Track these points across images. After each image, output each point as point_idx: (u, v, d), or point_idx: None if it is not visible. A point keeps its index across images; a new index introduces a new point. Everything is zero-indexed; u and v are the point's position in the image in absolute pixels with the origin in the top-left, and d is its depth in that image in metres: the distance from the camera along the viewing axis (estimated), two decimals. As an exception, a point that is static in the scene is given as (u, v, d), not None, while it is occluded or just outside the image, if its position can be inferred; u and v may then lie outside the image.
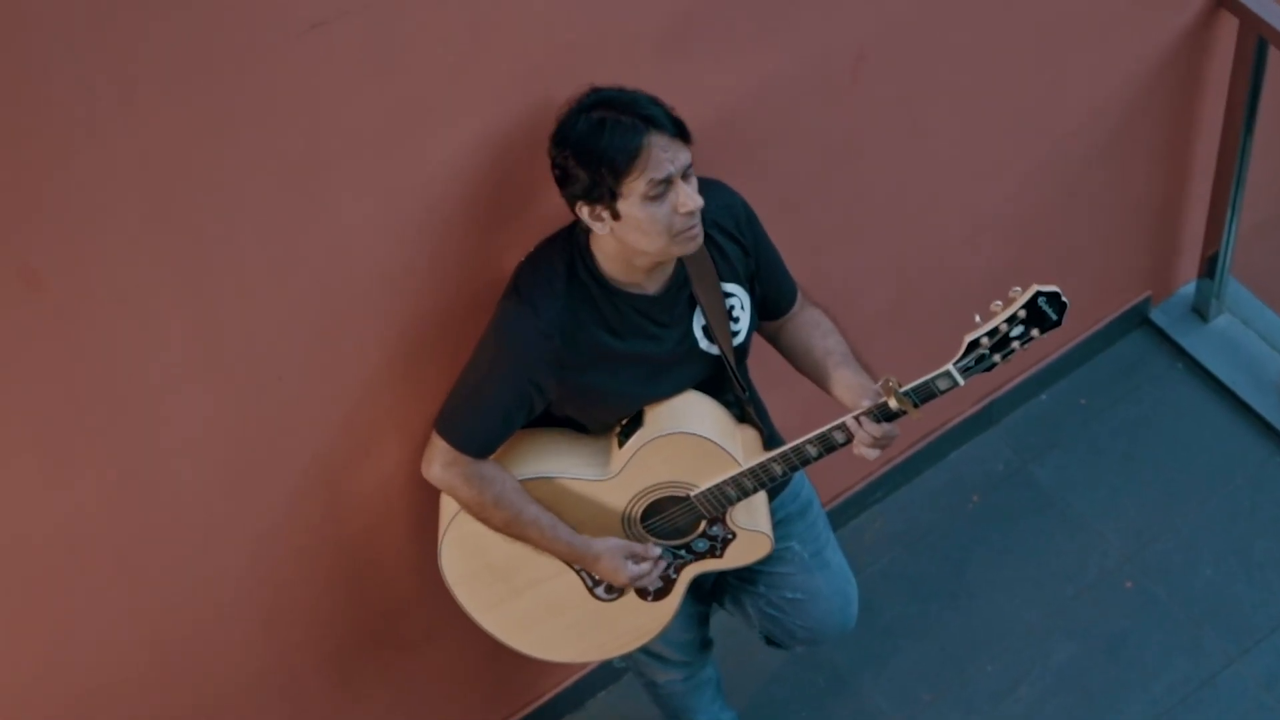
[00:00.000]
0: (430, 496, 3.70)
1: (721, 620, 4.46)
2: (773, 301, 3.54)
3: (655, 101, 3.21)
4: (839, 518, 4.66)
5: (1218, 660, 4.47)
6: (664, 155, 3.17)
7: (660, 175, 3.16)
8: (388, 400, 3.56)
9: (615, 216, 3.20)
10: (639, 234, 3.21)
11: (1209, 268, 4.86)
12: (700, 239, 3.26)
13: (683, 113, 3.28)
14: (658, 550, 3.53)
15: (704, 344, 3.42)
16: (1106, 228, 4.66)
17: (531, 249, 3.38)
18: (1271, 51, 4.38)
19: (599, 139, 3.16)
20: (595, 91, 3.21)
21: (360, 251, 3.34)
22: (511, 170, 3.38)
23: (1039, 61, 4.14)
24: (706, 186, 3.39)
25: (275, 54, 3.03)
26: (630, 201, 3.18)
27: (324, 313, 3.38)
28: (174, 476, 3.42)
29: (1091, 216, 4.59)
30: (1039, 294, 3.24)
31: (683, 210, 3.19)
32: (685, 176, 3.21)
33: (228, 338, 3.30)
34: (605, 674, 4.50)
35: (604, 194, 3.18)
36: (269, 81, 3.06)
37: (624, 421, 3.46)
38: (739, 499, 3.48)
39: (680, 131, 3.21)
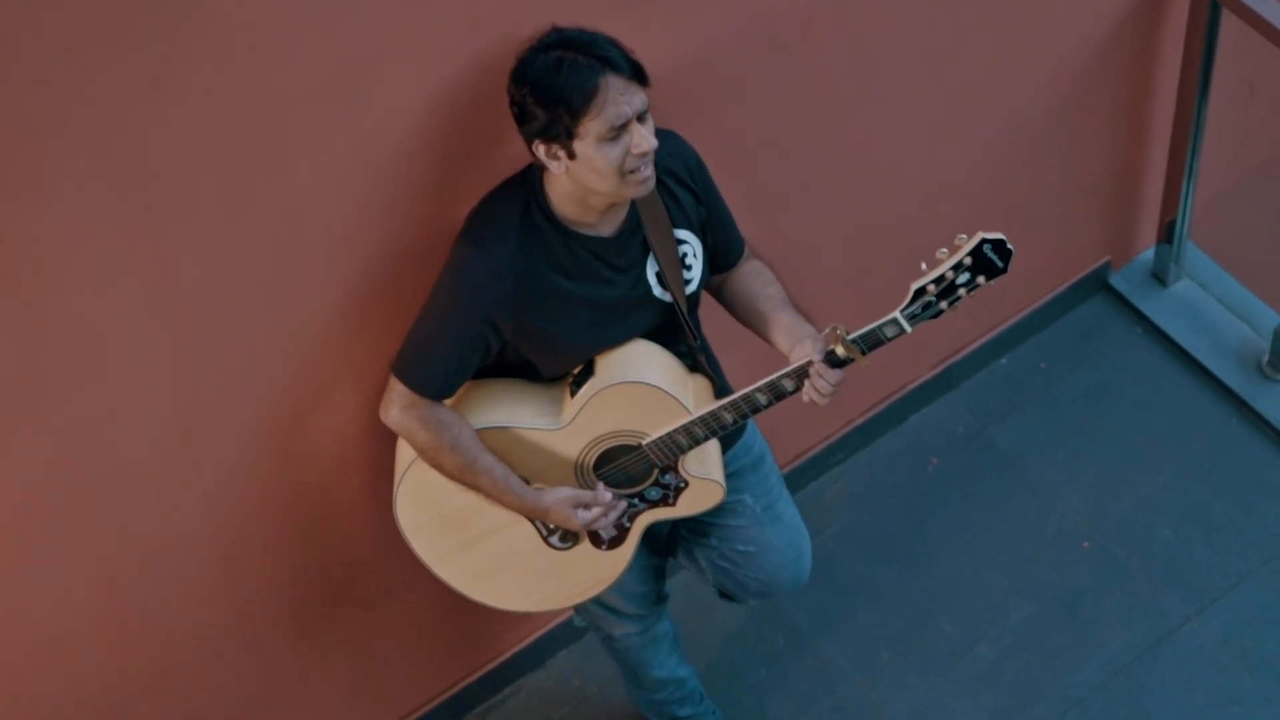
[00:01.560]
0: (387, 450, 3.72)
1: (681, 581, 4.50)
2: (722, 253, 3.57)
3: (614, 44, 3.24)
4: (799, 479, 4.69)
5: (1175, 619, 4.51)
6: (620, 97, 3.20)
7: (616, 116, 3.20)
8: (344, 350, 3.59)
9: (571, 156, 3.23)
10: (593, 174, 3.25)
11: (1168, 233, 4.90)
12: (653, 182, 3.29)
13: None
14: (608, 495, 3.56)
15: (657, 290, 3.45)
16: (1066, 192, 4.69)
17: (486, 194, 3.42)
18: (1226, 16, 4.41)
19: (556, 78, 3.19)
20: (556, 31, 3.24)
21: (313, 200, 3.37)
22: (466, 117, 3.41)
23: (994, 21, 4.17)
24: (660, 135, 3.43)
25: (223, 2, 3.06)
26: (586, 142, 3.21)
27: (277, 261, 3.40)
28: (126, 427, 3.44)
29: (1050, 180, 4.63)
30: (984, 241, 3.26)
31: (637, 151, 3.23)
32: (641, 119, 3.24)
33: (180, 287, 3.32)
34: (566, 633, 4.53)
35: (560, 133, 3.21)
36: (217, 31, 3.08)
37: (576, 371, 3.49)
38: (690, 447, 3.51)
39: (637, 74, 3.24)
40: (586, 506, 3.56)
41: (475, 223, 3.37)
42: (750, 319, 3.58)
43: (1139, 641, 4.48)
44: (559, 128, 3.20)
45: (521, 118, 3.24)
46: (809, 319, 3.51)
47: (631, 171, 3.25)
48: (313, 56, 3.20)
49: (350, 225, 3.44)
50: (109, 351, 3.32)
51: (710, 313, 3.68)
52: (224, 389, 3.51)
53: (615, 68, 3.20)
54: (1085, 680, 4.44)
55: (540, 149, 3.25)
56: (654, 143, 3.24)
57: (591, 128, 3.20)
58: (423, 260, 3.51)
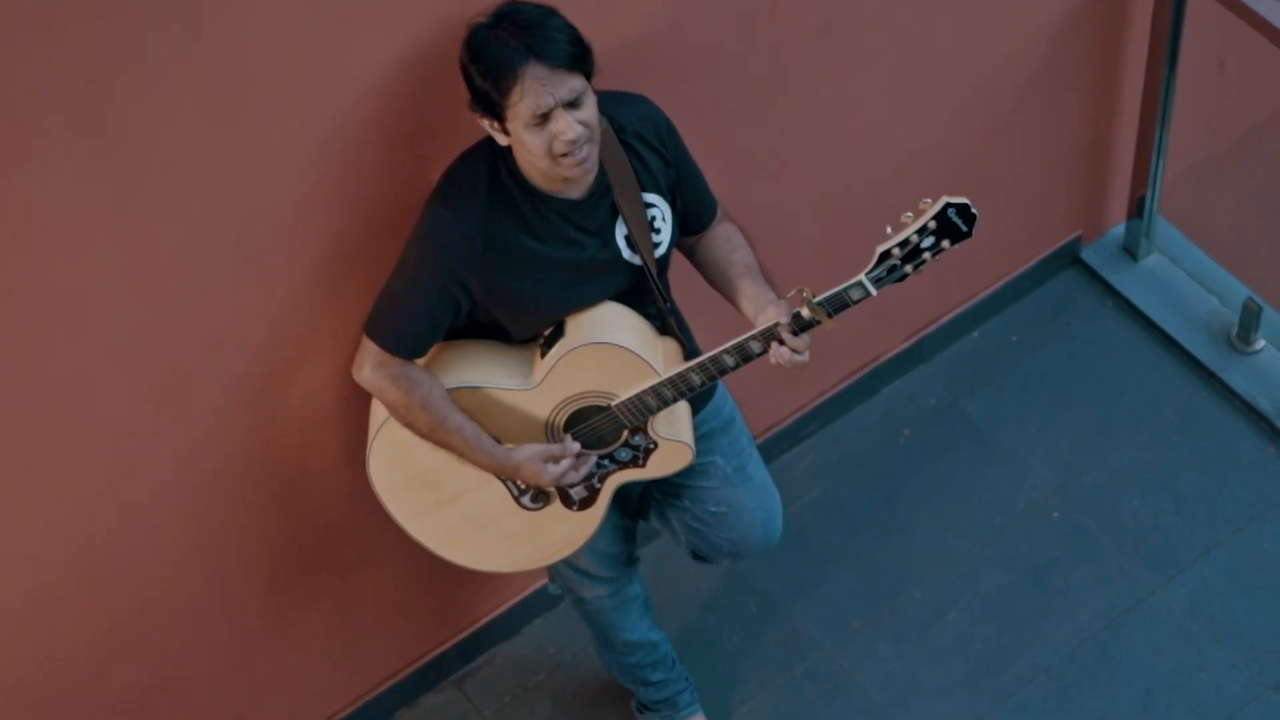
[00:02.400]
0: (363, 412, 3.76)
1: (654, 549, 4.55)
2: (693, 215, 3.61)
3: (558, 27, 3.25)
4: (772, 450, 4.73)
5: (1143, 588, 4.56)
6: (542, 87, 3.22)
7: (536, 105, 3.23)
8: (316, 312, 3.63)
9: (506, 132, 3.29)
10: (526, 154, 3.30)
11: (1138, 208, 4.95)
12: (590, 164, 3.33)
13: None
14: (576, 445, 3.60)
15: (626, 253, 3.49)
16: (1037, 166, 4.74)
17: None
18: (1194, -10, 4.47)
19: (484, 57, 3.24)
20: (510, 4, 3.28)
21: (285, 164, 3.41)
22: (438, 80, 3.44)
23: (963, -7, 4.22)
24: (627, 100, 3.48)
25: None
26: (515, 124, 3.26)
27: (250, 224, 3.44)
28: (99, 388, 3.48)
29: (1021, 154, 4.67)
30: (949, 205, 3.30)
31: (560, 139, 3.26)
32: (575, 104, 3.26)
33: (153, 248, 3.36)
34: (541, 600, 4.57)
35: (492, 109, 3.27)
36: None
37: (547, 332, 3.53)
38: (659, 408, 3.56)
39: (574, 61, 3.25)
40: (555, 460, 3.60)
41: (445, 184, 3.42)
42: (720, 283, 3.63)
43: (1108, 610, 4.53)
44: (490, 105, 3.26)
45: (467, 86, 3.29)
46: (774, 286, 3.56)
47: (563, 155, 3.28)
48: (286, 20, 3.24)
49: (322, 190, 3.48)
50: (83, 313, 3.36)
51: (682, 278, 3.72)
52: (198, 351, 3.55)
53: (542, 56, 3.22)
54: (1054, 648, 4.49)
55: (482, 121, 3.30)
56: (578, 132, 3.26)
57: (517, 111, 3.24)
58: (396, 222, 3.55)
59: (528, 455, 3.58)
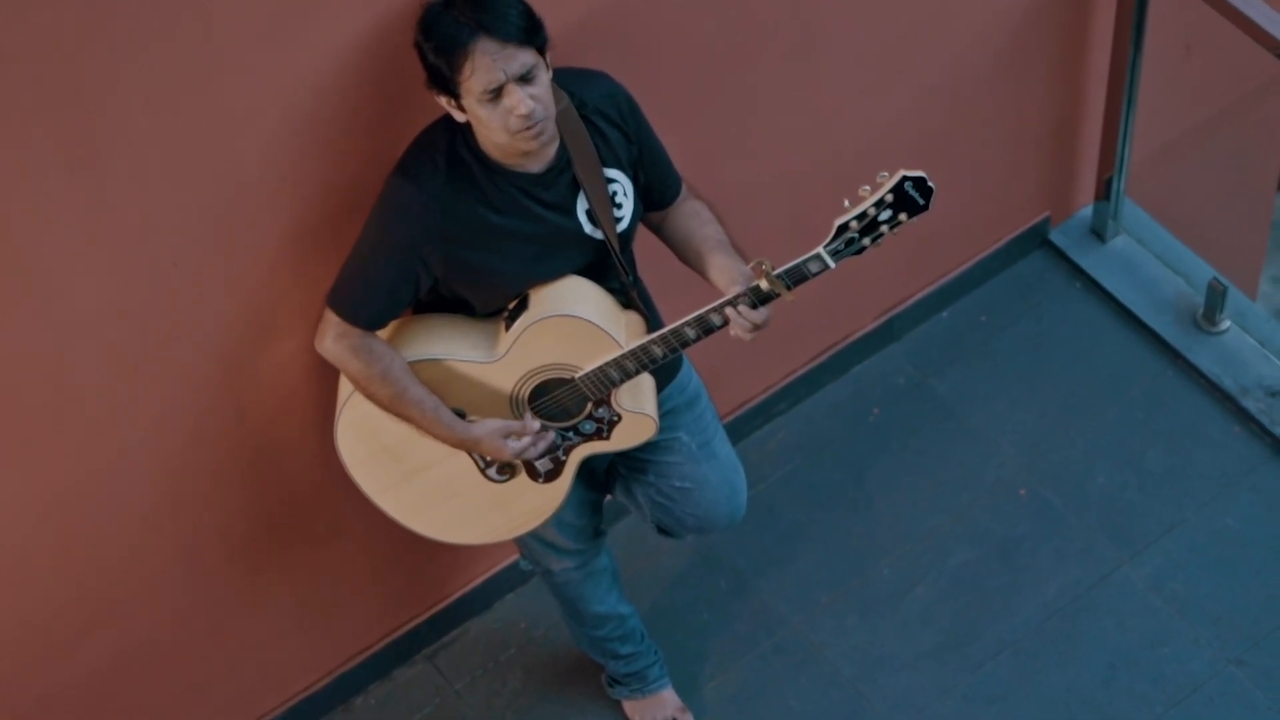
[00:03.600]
0: (331, 385, 3.81)
1: (624, 526, 4.59)
2: (657, 191, 3.66)
3: (508, 3, 3.28)
4: (742, 428, 4.78)
5: (1108, 564, 4.61)
6: (493, 62, 3.26)
7: (488, 80, 3.27)
8: (285, 286, 3.67)
9: (461, 109, 3.33)
10: (483, 128, 3.35)
11: (1106, 190, 5.00)
12: (546, 137, 3.37)
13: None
14: (536, 424, 3.65)
15: (588, 228, 3.54)
16: (1005, 147, 4.79)
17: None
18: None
19: (434, 33, 3.30)
20: None
21: (251, 139, 3.45)
22: (401, 61, 3.47)
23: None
24: (588, 76, 3.53)
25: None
26: (469, 100, 3.31)
27: (218, 199, 3.49)
28: (69, 360, 3.52)
29: (990, 135, 4.72)
30: (905, 179, 3.35)
31: (515, 114, 3.30)
32: (527, 79, 3.30)
33: (122, 222, 3.40)
34: (513, 576, 4.62)
35: (446, 86, 3.32)
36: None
37: (510, 305, 3.58)
38: (622, 381, 3.61)
39: (525, 35, 3.28)
40: (515, 435, 3.64)
41: (405, 158, 3.48)
42: (688, 258, 3.67)
43: (1073, 585, 4.58)
44: (443, 81, 3.31)
45: (422, 65, 3.35)
46: (745, 258, 3.60)
47: (517, 132, 3.32)
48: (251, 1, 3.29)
49: (289, 166, 3.52)
50: (52, 284, 3.40)
51: (647, 254, 3.77)
52: (167, 325, 3.59)
53: (491, 31, 3.26)
54: (1020, 623, 4.54)
55: (439, 99, 3.35)
56: (530, 106, 3.29)
57: (469, 87, 3.29)
58: (362, 198, 3.59)
59: (488, 431, 3.63)
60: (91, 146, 3.29)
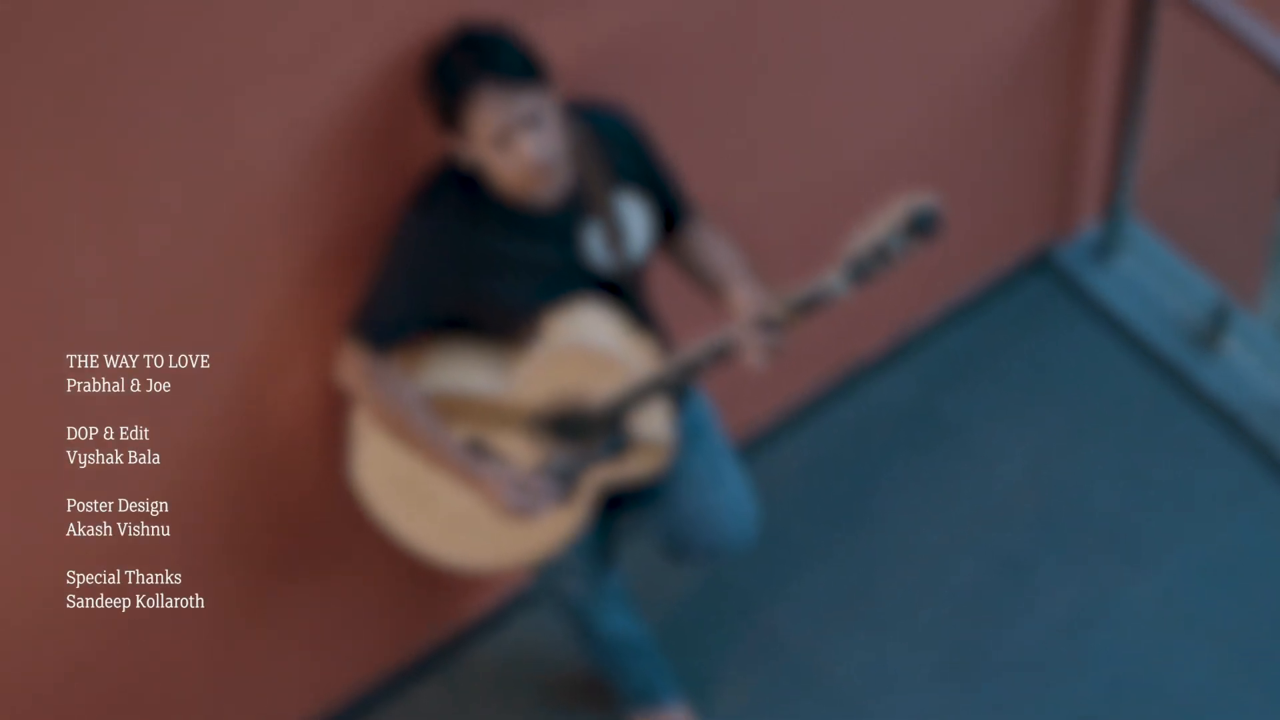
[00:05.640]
0: (346, 416, 3.84)
1: (631, 545, 4.62)
2: (671, 216, 3.70)
3: (509, 43, 3.32)
4: (749, 448, 4.81)
5: (1113, 582, 4.64)
6: (498, 108, 3.29)
7: (494, 129, 3.30)
8: (301, 317, 3.70)
9: (472, 150, 3.37)
10: (495, 174, 3.38)
11: (1110, 209, 5.03)
12: (559, 178, 3.39)
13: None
14: (544, 480, 3.67)
15: (601, 255, 3.58)
16: (1009, 166, 4.82)
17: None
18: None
19: (440, 76, 3.34)
20: (463, 25, 3.37)
21: (266, 170, 3.48)
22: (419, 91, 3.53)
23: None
24: (598, 106, 3.58)
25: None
26: (480, 146, 3.35)
27: (236, 227, 3.52)
28: (86, 387, 3.54)
29: (994, 155, 4.75)
30: (915, 205, 3.39)
31: (524, 160, 3.33)
32: (535, 122, 3.32)
33: (138, 250, 3.43)
34: (525, 597, 4.65)
35: (455, 130, 3.35)
36: (169, 5, 3.20)
37: (525, 333, 3.61)
38: (636, 408, 3.64)
39: (528, 74, 3.30)
40: (524, 487, 3.66)
41: (420, 187, 3.52)
42: (703, 283, 3.71)
43: (1078, 602, 4.62)
44: (452, 125, 3.35)
45: (431, 111, 3.39)
46: (761, 284, 3.64)
47: (532, 177, 3.35)
48: (270, 25, 3.31)
49: (304, 196, 3.54)
50: (67, 318, 3.43)
51: (661, 281, 3.81)
52: (182, 351, 3.62)
53: (494, 74, 3.29)
54: (1026, 640, 4.58)
55: (451, 142, 3.39)
56: (538, 153, 3.32)
57: (475, 132, 3.33)
58: (381, 226, 3.63)
59: (495, 476, 3.65)
60: (112, 177, 3.32)
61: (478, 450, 3.67)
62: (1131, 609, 4.60)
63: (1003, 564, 4.69)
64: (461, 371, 3.62)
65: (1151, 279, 5.08)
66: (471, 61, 3.31)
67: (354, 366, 3.59)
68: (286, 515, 4.05)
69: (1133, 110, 4.77)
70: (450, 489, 3.76)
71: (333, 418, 3.90)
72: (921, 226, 3.41)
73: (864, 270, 3.45)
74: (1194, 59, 4.90)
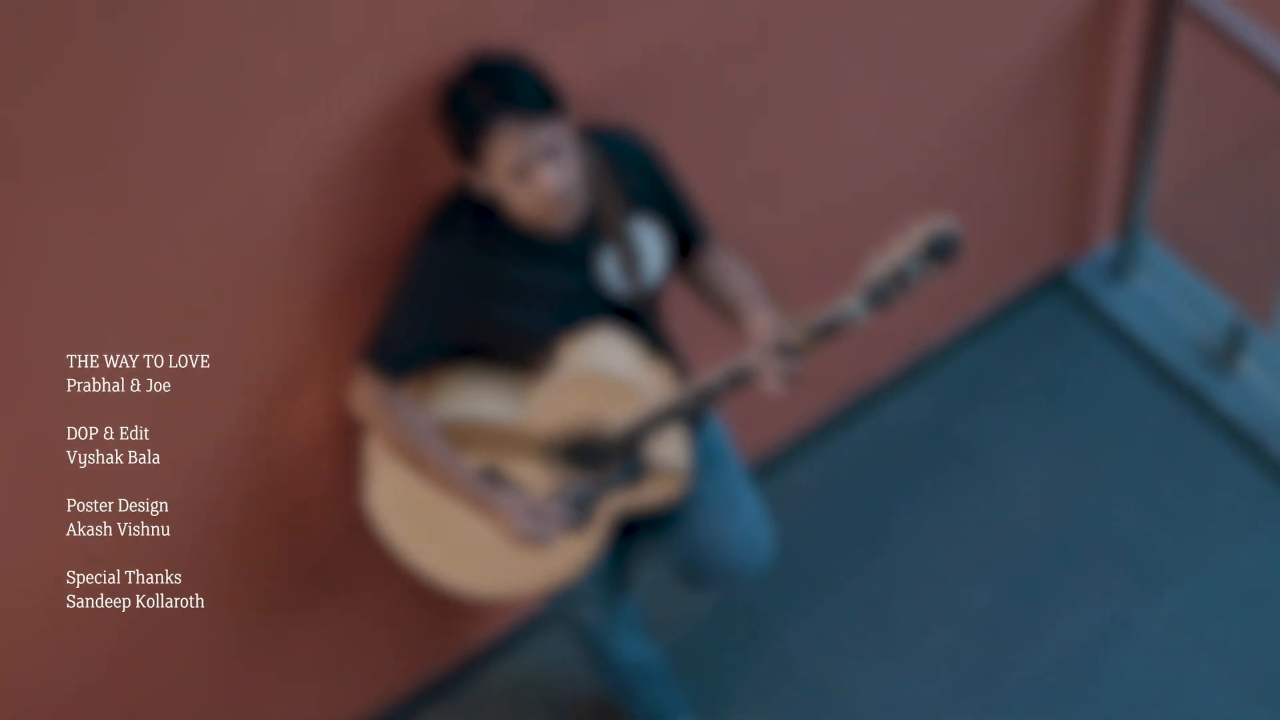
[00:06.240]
0: (359, 443, 3.82)
1: (645, 569, 4.60)
2: (686, 243, 3.67)
3: (525, 74, 3.30)
4: (764, 470, 4.80)
5: (1130, 604, 4.62)
6: (516, 141, 3.27)
7: (514, 159, 3.28)
8: (312, 340, 3.68)
9: (489, 181, 3.35)
10: (512, 203, 3.36)
11: (1126, 228, 5.01)
12: (576, 206, 3.37)
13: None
14: (558, 508, 3.65)
15: (616, 281, 3.55)
16: (1025, 187, 4.80)
17: (451, 189, 3.53)
18: (1183, 16, 4.51)
19: (456, 108, 3.31)
20: (477, 56, 3.34)
21: (283, 197, 3.46)
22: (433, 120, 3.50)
23: (952, 17, 4.27)
24: (614, 132, 3.55)
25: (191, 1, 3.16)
26: (497, 178, 3.32)
27: (248, 253, 3.50)
28: (100, 411, 3.52)
29: (1009, 175, 4.73)
30: (935, 229, 3.36)
31: (541, 193, 3.31)
32: (553, 152, 3.31)
33: (150, 275, 3.41)
34: (537, 621, 4.63)
35: (471, 163, 3.33)
36: (186, 29, 3.17)
37: (540, 359, 3.59)
38: (652, 434, 3.61)
39: (545, 104, 3.28)
40: (538, 515, 3.64)
41: (435, 211, 3.49)
42: (719, 309, 3.68)
43: (1094, 626, 4.59)
44: (469, 158, 3.33)
45: (447, 143, 3.37)
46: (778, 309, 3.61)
47: (550, 207, 3.33)
48: (285, 50, 3.29)
49: (317, 225, 3.53)
50: (82, 340, 3.42)
51: (677, 306, 3.78)
52: (196, 377, 3.60)
53: (511, 107, 3.27)
54: (1041, 663, 4.55)
55: (465, 170, 3.37)
56: (558, 183, 3.30)
57: (493, 165, 3.31)
58: (392, 256, 3.61)
59: (510, 504, 3.63)
60: (124, 204, 3.30)
61: (492, 478, 3.65)
62: (1147, 631, 4.58)
63: (1018, 586, 4.66)
64: (476, 399, 3.60)
65: (1167, 298, 5.05)
66: (489, 94, 3.28)
67: (367, 395, 3.57)
68: (298, 537, 4.03)
69: (1148, 129, 4.75)
70: (464, 516, 3.74)
71: (344, 444, 3.88)
72: (941, 251, 3.38)
73: (883, 296, 3.42)
74: (1209, 77, 4.87)
